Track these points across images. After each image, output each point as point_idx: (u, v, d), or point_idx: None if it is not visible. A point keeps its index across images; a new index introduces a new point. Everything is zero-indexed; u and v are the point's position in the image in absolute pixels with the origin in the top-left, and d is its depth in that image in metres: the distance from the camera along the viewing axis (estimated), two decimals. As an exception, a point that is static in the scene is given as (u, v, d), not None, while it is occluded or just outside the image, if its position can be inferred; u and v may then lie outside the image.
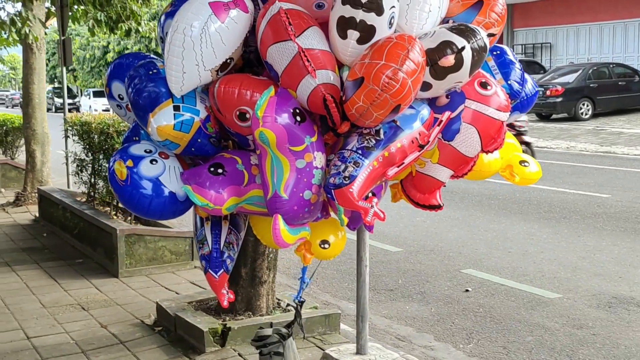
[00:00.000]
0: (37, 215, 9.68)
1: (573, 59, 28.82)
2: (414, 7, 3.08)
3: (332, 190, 2.95)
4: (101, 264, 7.18)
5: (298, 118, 2.97)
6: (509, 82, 3.57)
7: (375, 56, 2.86)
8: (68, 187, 10.53)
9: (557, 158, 15.35)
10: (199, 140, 3.20)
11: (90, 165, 8.08)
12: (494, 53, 3.62)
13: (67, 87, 50.84)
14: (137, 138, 3.56)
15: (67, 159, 9.23)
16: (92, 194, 8.26)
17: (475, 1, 3.35)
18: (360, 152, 2.99)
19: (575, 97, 21.55)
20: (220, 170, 3.16)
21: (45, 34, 12.44)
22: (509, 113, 3.43)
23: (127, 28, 11.72)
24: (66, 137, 9.01)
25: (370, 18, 2.88)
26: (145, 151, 3.30)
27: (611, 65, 23.24)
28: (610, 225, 8.76)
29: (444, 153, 3.31)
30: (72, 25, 12.59)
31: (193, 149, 3.24)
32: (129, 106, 3.38)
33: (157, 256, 6.93)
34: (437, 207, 3.56)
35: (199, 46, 2.98)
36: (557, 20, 29.59)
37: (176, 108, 3.12)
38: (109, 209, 7.66)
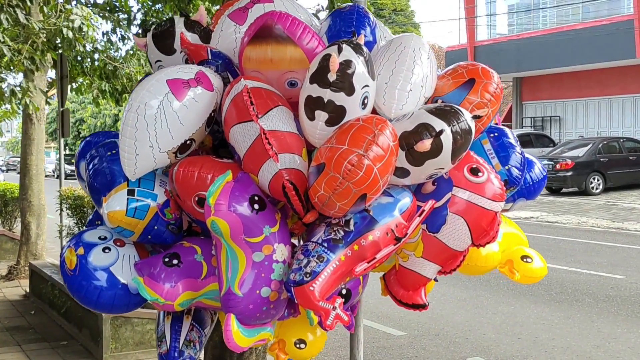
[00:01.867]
0: (28, 290, 9.35)
1: (583, 133, 28.69)
2: (393, 86, 2.78)
3: (292, 288, 2.59)
4: (86, 346, 6.80)
5: (256, 206, 2.65)
6: (507, 167, 3.17)
7: (339, 140, 2.55)
8: (62, 261, 10.22)
9: (568, 234, 14.95)
10: (156, 227, 2.86)
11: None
12: (492, 135, 3.24)
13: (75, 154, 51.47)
14: (99, 222, 3.19)
15: (60, 233, 8.96)
16: (82, 270, 7.94)
17: (466, 80, 2.99)
18: (325, 244, 2.63)
19: (586, 172, 21.26)
20: (175, 261, 2.82)
21: (49, 103, 12.36)
22: (504, 202, 3.02)
23: (131, 100, 11.64)
24: (61, 210, 8.76)
25: (339, 98, 2.57)
26: (99, 238, 2.96)
27: (621, 140, 23.01)
28: (625, 309, 8.33)
29: (429, 246, 2.92)
30: (81, 95, 12.51)
31: (150, 237, 2.90)
32: None
33: (144, 340, 6.55)
34: (422, 307, 3.11)
35: (152, 127, 2.69)
36: (566, 94, 29.62)
37: (130, 192, 2.80)
38: (98, 287, 7.32)
